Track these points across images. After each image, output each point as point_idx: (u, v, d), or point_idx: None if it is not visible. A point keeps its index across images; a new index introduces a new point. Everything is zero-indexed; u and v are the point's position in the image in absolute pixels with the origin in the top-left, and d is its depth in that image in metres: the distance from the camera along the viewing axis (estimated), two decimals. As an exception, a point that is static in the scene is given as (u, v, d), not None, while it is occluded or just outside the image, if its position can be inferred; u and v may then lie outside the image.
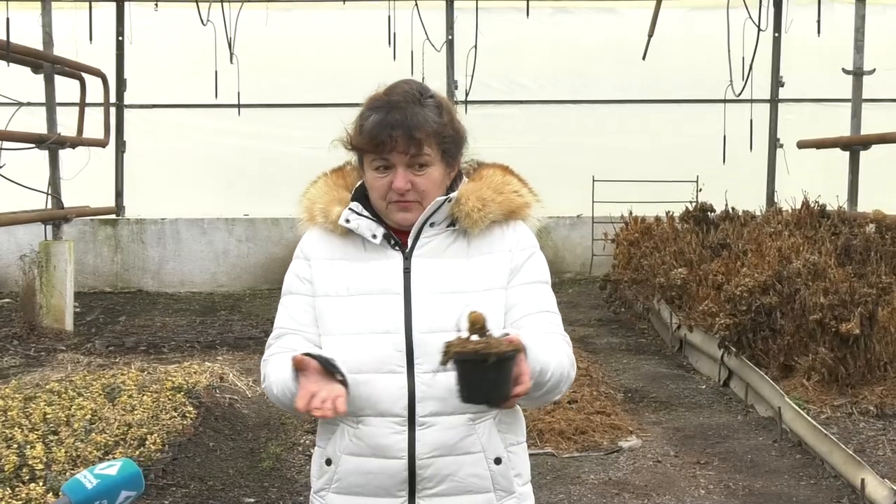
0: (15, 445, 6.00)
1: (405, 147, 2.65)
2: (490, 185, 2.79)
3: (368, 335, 2.69)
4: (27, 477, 5.52)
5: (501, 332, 2.45)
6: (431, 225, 2.75)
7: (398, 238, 2.76)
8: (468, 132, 2.83)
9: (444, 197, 2.74)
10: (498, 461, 2.73)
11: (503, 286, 2.75)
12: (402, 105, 2.67)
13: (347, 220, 2.74)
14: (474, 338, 2.36)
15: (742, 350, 8.40)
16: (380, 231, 2.74)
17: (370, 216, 2.75)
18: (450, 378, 2.54)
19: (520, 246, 2.80)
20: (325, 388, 2.52)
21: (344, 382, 2.56)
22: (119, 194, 15.27)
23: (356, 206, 2.76)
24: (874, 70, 11.61)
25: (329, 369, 2.56)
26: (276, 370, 2.71)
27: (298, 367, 2.56)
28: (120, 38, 15.02)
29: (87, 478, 2.21)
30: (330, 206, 2.80)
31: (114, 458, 5.34)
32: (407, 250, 2.74)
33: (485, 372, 2.34)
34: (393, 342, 2.68)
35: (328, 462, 2.77)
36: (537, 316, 2.73)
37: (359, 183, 2.83)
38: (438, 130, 2.70)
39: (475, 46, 13.81)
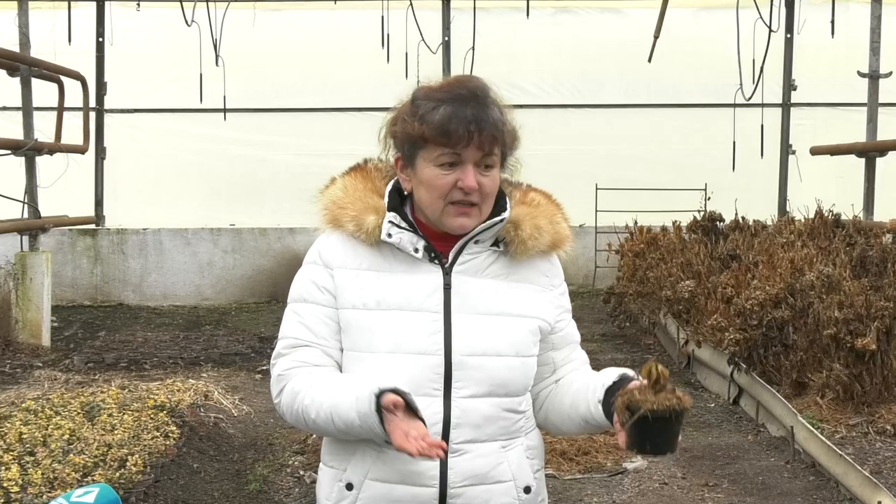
0: (-10, 467, 5.96)
1: (480, 143, 2.58)
2: (545, 215, 2.79)
3: (402, 355, 2.61)
4: (2, 500, 5.44)
5: (620, 374, 2.68)
6: (476, 242, 2.69)
7: (438, 251, 2.68)
8: None
9: (500, 217, 2.68)
10: (528, 490, 2.72)
11: (540, 316, 2.74)
12: (475, 100, 2.60)
13: (389, 235, 2.64)
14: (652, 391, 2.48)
15: (753, 366, 8.35)
16: (421, 244, 2.66)
17: (408, 227, 2.67)
18: (482, 404, 2.62)
19: (560, 279, 2.86)
20: (412, 427, 2.45)
21: (422, 418, 2.50)
22: (99, 203, 15.18)
23: (394, 217, 2.67)
24: (891, 73, 11.51)
25: (411, 406, 2.48)
26: (320, 391, 2.59)
27: (389, 408, 2.43)
28: (100, 40, 14.92)
29: (62, 506, 2.07)
30: (363, 215, 2.68)
31: (93, 480, 5.55)
32: (447, 265, 2.67)
33: (675, 426, 2.47)
34: (430, 364, 2.61)
35: (349, 487, 2.68)
36: (576, 346, 2.88)
37: (389, 187, 2.72)
38: (504, 132, 2.65)
39: (473, 48, 13.67)
